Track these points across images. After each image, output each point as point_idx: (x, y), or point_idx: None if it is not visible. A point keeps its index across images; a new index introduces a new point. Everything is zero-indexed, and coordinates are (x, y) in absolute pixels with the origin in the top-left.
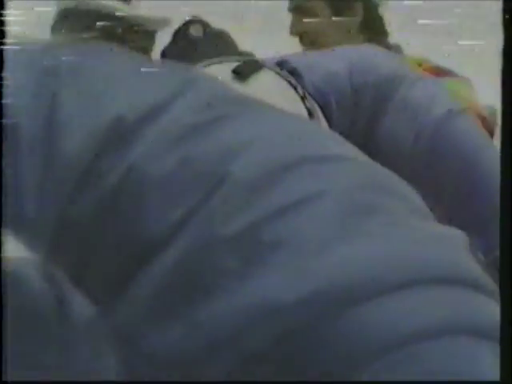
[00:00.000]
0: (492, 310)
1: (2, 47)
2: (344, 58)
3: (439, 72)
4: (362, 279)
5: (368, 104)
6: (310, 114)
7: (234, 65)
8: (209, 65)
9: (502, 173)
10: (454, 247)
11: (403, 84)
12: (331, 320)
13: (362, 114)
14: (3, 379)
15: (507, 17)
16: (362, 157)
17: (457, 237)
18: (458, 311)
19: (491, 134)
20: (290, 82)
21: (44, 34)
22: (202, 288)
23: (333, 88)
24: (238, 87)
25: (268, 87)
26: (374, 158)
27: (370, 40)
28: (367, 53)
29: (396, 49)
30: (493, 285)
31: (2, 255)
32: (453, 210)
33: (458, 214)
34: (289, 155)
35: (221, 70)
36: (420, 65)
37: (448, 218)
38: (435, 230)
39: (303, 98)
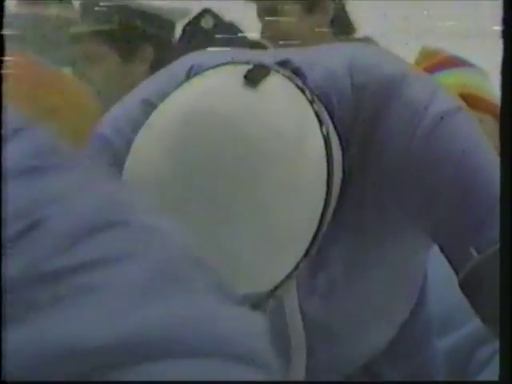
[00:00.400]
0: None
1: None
2: (344, 56)
3: (455, 62)
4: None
5: (369, 103)
6: (319, 118)
7: (245, 69)
8: (217, 66)
9: (502, 172)
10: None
11: (403, 83)
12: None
13: (362, 114)
14: (3, 379)
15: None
16: (176, 230)
17: (248, 317)
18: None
19: None
20: (297, 86)
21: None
22: (14, 316)
23: (333, 87)
24: (250, 93)
25: (278, 93)
26: (375, 158)
27: (338, 36)
28: (367, 51)
29: (367, 41)
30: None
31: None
32: (450, 208)
33: (454, 211)
34: (104, 216)
35: (231, 75)
36: (435, 54)
37: (446, 217)
38: (232, 311)
39: (311, 102)
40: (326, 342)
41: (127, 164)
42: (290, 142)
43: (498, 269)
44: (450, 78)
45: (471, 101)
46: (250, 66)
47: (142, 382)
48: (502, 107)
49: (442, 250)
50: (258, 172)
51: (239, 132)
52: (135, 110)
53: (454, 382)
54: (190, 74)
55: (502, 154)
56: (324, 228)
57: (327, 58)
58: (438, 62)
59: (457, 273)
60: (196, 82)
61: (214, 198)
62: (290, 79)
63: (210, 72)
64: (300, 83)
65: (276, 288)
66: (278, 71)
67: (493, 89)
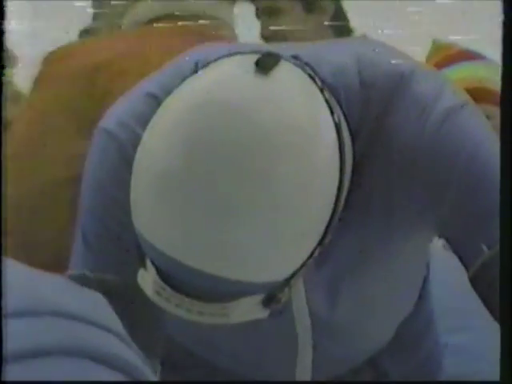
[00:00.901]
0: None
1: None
2: (352, 53)
3: (467, 55)
4: None
5: (377, 99)
6: (330, 106)
7: (254, 58)
8: (224, 56)
9: (502, 172)
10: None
11: (411, 79)
12: None
13: (370, 110)
14: (3, 379)
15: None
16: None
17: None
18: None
19: None
20: (307, 74)
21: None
22: None
23: (342, 83)
24: (261, 81)
25: (289, 80)
26: (382, 154)
27: (336, 36)
28: (374, 47)
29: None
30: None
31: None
32: (459, 202)
33: (464, 206)
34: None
35: (241, 64)
36: (448, 48)
37: (455, 212)
38: None
39: (322, 90)
40: (332, 337)
41: (137, 156)
42: (303, 131)
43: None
44: (464, 72)
45: (486, 95)
46: (259, 55)
47: (143, 383)
48: (502, 107)
49: (451, 245)
50: (272, 161)
51: (252, 122)
52: (139, 103)
53: (453, 382)
54: (197, 68)
55: (503, 153)
56: (338, 215)
57: (335, 54)
58: (451, 56)
59: (467, 268)
60: (206, 72)
61: (227, 189)
62: (300, 67)
63: (219, 62)
64: (311, 72)
65: (292, 276)
66: (287, 60)
67: None
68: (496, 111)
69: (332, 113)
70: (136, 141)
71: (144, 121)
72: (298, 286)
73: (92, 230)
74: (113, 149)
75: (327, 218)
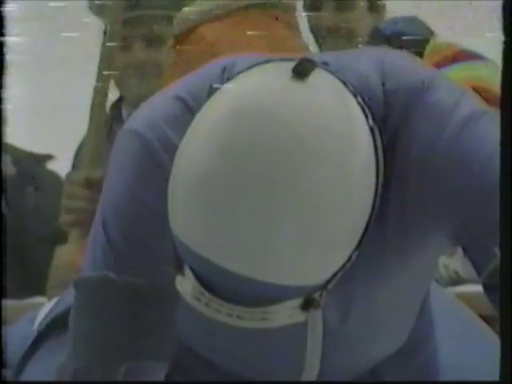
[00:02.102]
0: None
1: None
2: (376, 62)
3: (466, 55)
4: None
5: (398, 107)
6: (364, 111)
7: (290, 65)
8: (258, 64)
9: (502, 171)
10: None
11: (431, 87)
12: None
13: (392, 119)
14: (3, 379)
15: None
16: None
17: None
18: None
19: None
20: (340, 80)
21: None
22: None
23: (367, 92)
24: (298, 87)
25: (325, 86)
26: (400, 160)
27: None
28: (397, 57)
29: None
30: None
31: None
32: (475, 208)
33: (480, 212)
34: None
35: (278, 70)
36: (447, 48)
37: (470, 218)
38: None
39: (355, 95)
40: (340, 349)
41: (176, 161)
42: (340, 137)
43: None
44: (463, 72)
45: (484, 95)
46: (295, 61)
47: (143, 382)
48: (502, 108)
49: (465, 251)
50: (311, 166)
51: (291, 127)
52: (166, 105)
53: (453, 381)
54: (224, 74)
55: (503, 154)
56: (374, 217)
57: (360, 63)
58: (450, 56)
59: (479, 273)
60: (243, 78)
61: (265, 194)
62: (333, 74)
63: (256, 69)
64: (342, 78)
65: (330, 280)
66: (322, 67)
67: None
68: (494, 111)
69: (366, 117)
70: (165, 141)
71: (172, 122)
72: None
73: (118, 232)
74: (142, 150)
75: (365, 222)
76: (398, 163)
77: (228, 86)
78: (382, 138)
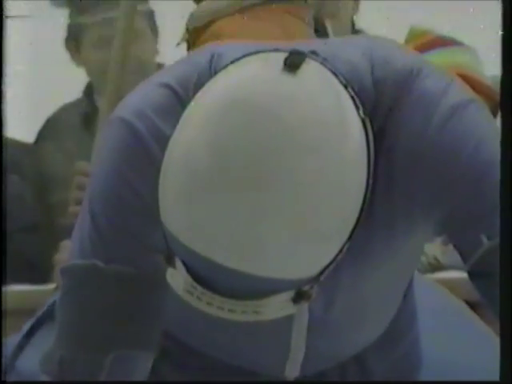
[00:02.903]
0: None
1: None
2: (365, 50)
3: (444, 41)
4: None
5: (387, 96)
6: (355, 102)
7: (280, 56)
8: (247, 55)
9: (502, 171)
10: None
11: (419, 75)
12: None
13: (381, 107)
14: (3, 379)
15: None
16: None
17: None
18: None
19: (495, 102)
20: (330, 70)
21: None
22: None
23: (356, 80)
24: (289, 80)
25: (316, 78)
26: (388, 149)
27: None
28: (385, 45)
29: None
30: None
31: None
32: (463, 196)
33: (467, 199)
34: None
35: (268, 63)
36: (424, 35)
37: (458, 207)
38: None
39: (346, 87)
40: (325, 335)
41: (167, 155)
42: (332, 129)
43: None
44: (440, 58)
45: (463, 80)
46: (285, 53)
47: (144, 383)
48: (502, 108)
49: (451, 239)
50: (302, 159)
51: (282, 120)
52: (154, 93)
53: (453, 381)
54: (212, 63)
55: (503, 153)
56: (365, 209)
57: (349, 52)
58: (427, 42)
59: (465, 261)
60: (234, 70)
61: (255, 188)
62: (323, 64)
63: (246, 60)
64: (332, 68)
65: (322, 273)
66: (311, 57)
67: (483, 68)
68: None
69: (357, 108)
70: (153, 130)
71: (160, 110)
72: None
73: (106, 220)
74: (131, 138)
75: (357, 213)
76: (386, 151)
77: (219, 77)
78: (372, 129)
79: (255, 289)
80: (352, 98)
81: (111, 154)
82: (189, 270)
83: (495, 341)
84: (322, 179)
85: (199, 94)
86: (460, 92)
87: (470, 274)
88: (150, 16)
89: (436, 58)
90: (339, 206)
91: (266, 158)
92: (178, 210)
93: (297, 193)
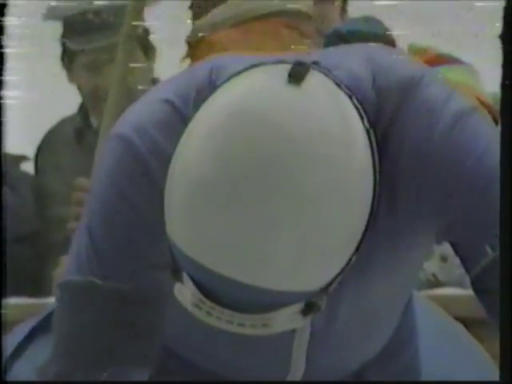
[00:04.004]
0: None
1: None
2: (366, 59)
3: (444, 60)
4: None
5: (389, 104)
6: (359, 112)
7: (284, 68)
8: (251, 67)
9: (502, 172)
10: None
11: (421, 83)
12: None
13: (383, 116)
14: (3, 379)
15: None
16: None
17: None
18: None
19: (496, 121)
20: (334, 81)
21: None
22: None
23: (358, 90)
24: (294, 91)
25: (320, 89)
26: (392, 157)
27: None
28: (387, 54)
29: None
30: None
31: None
32: (466, 205)
33: (471, 209)
34: None
35: (272, 74)
36: (424, 52)
37: (461, 216)
38: None
39: (350, 97)
40: (326, 350)
41: (171, 167)
42: (338, 141)
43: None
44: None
45: None
46: (289, 65)
47: (144, 383)
48: (502, 109)
49: (455, 248)
50: (308, 171)
51: (287, 132)
52: (155, 109)
53: (453, 381)
54: (211, 76)
55: (503, 154)
56: (372, 220)
57: (350, 61)
58: (427, 60)
59: (468, 271)
60: (238, 82)
61: (262, 200)
62: (327, 75)
63: (250, 72)
64: (335, 79)
65: (330, 284)
66: (316, 69)
67: (483, 87)
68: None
69: (362, 119)
70: (153, 146)
71: (161, 126)
72: None
73: (104, 237)
74: (130, 155)
75: (364, 224)
76: (389, 160)
77: (224, 89)
78: (376, 139)
79: (264, 302)
80: (356, 108)
81: (110, 170)
82: (196, 284)
83: (490, 363)
84: (328, 192)
85: (204, 106)
86: (463, 100)
87: (472, 284)
88: (145, 36)
89: None
90: (346, 218)
91: (272, 171)
92: (184, 222)
93: (303, 205)
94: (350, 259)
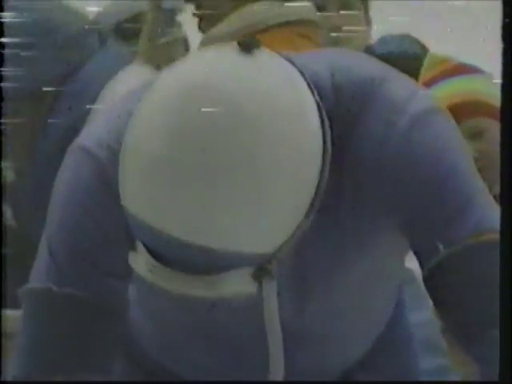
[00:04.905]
0: None
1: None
2: (326, 59)
3: (464, 69)
4: None
5: (348, 102)
6: (310, 86)
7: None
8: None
9: (502, 172)
10: None
11: (382, 83)
12: None
13: (341, 111)
14: (3, 379)
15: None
16: None
17: None
18: None
19: None
20: (285, 58)
21: None
22: None
23: (316, 86)
24: (245, 63)
25: (272, 61)
26: (352, 155)
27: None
28: (347, 54)
29: None
30: None
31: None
32: (422, 204)
33: (426, 207)
34: None
35: (225, 49)
36: (443, 62)
37: (417, 213)
38: None
39: (301, 72)
40: (303, 347)
41: (125, 139)
42: (288, 111)
43: (463, 267)
44: (460, 85)
45: (482, 108)
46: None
47: (145, 383)
48: (502, 110)
49: (411, 245)
50: (255, 136)
51: (237, 106)
52: (120, 122)
53: (453, 382)
54: None
55: (503, 155)
56: (323, 188)
57: (313, 61)
58: (447, 70)
59: (422, 267)
60: (191, 57)
61: (209, 162)
62: (283, 56)
63: (203, 49)
64: (287, 58)
65: (279, 249)
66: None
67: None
68: (492, 124)
69: (312, 92)
70: (115, 159)
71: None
72: (272, 294)
73: (61, 245)
74: (91, 168)
75: (313, 191)
76: (349, 158)
77: (177, 63)
78: (332, 130)
79: (211, 263)
80: (307, 82)
81: (71, 182)
82: (150, 251)
83: None
84: (277, 156)
85: (158, 80)
86: (424, 100)
87: (424, 280)
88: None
89: (456, 84)
90: (295, 183)
91: (221, 140)
92: (134, 188)
93: (252, 168)
94: (300, 225)
